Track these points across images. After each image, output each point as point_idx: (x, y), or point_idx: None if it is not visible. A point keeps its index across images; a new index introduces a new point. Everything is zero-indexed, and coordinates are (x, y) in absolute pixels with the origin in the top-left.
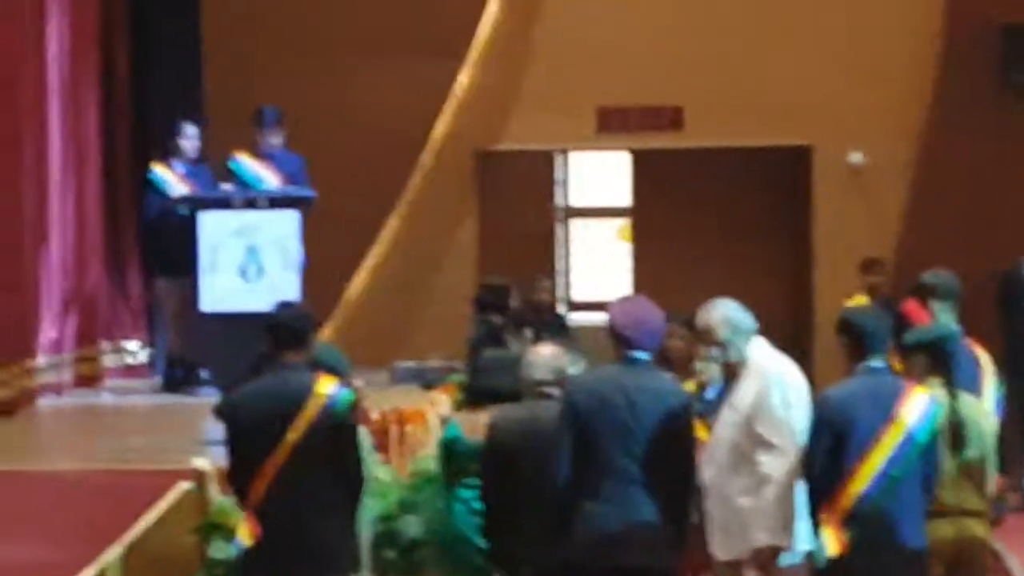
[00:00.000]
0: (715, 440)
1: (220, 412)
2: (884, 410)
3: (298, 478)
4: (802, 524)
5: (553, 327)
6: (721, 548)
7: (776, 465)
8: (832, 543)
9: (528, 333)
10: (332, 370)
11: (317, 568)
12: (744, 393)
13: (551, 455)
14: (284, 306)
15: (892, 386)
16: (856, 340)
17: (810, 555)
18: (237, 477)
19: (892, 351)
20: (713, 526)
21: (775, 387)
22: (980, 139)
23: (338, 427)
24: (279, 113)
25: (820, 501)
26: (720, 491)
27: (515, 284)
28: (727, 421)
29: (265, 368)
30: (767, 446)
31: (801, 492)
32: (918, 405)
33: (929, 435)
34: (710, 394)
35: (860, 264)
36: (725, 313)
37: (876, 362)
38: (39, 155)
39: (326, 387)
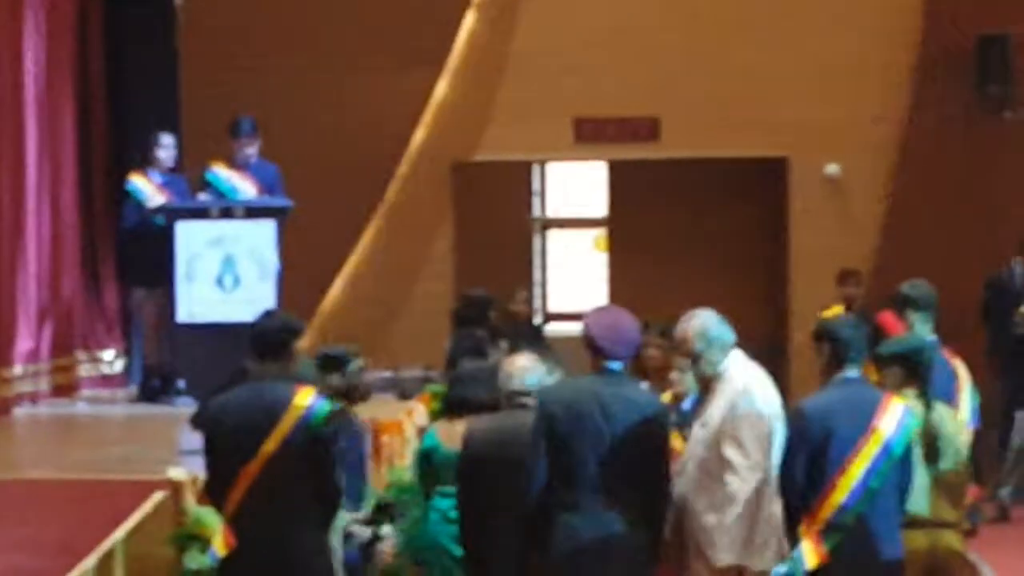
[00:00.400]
0: (687, 454)
1: (198, 421)
2: (862, 421)
3: (274, 489)
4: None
5: (529, 338)
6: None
7: (740, 484)
8: (811, 556)
9: (504, 344)
10: (303, 380)
11: None
12: (714, 409)
13: (526, 464)
14: (267, 315)
15: (869, 397)
16: (833, 349)
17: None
18: (214, 487)
19: (868, 362)
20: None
21: (743, 404)
22: (956, 150)
23: (315, 438)
24: (254, 123)
25: (798, 514)
26: (689, 506)
27: (494, 296)
28: (697, 437)
29: (245, 378)
30: (732, 465)
31: (776, 510)
32: (895, 416)
33: (904, 446)
34: (686, 405)
35: (836, 275)
36: (702, 324)
37: (852, 372)
38: (15, 165)
39: (304, 399)
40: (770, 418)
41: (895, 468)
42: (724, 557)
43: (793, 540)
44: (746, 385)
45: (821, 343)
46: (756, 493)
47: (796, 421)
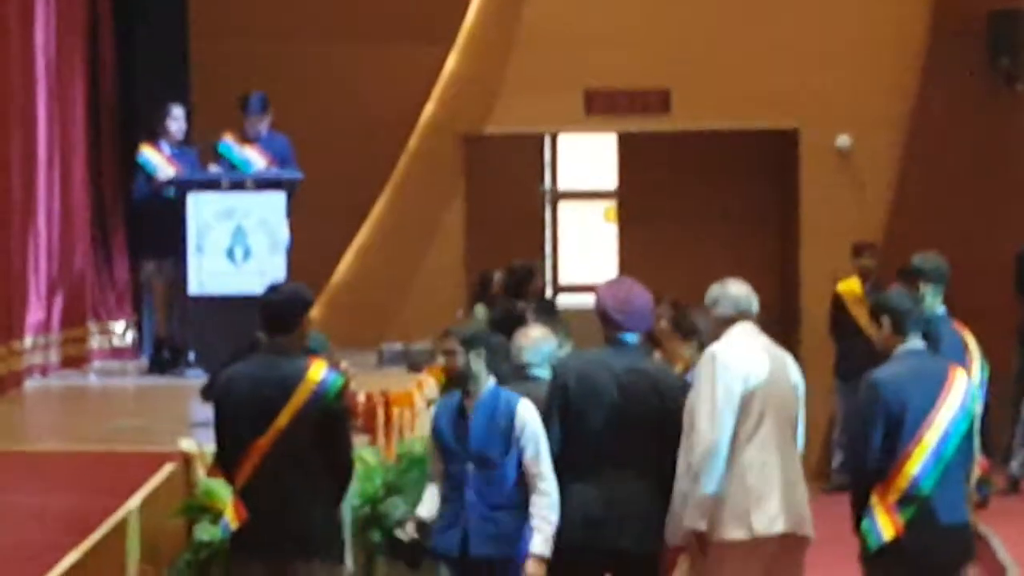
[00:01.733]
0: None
1: (208, 393)
2: (933, 392)
3: (286, 462)
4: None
5: (542, 310)
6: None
7: (693, 452)
8: (887, 527)
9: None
10: (313, 351)
11: (303, 551)
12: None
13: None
14: (276, 288)
15: (937, 368)
16: (892, 321)
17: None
18: (225, 459)
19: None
20: None
21: (704, 372)
22: (967, 123)
23: (327, 412)
24: (265, 99)
25: (871, 485)
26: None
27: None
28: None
29: (255, 350)
30: (689, 433)
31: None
32: (961, 386)
33: (971, 416)
34: (690, 376)
35: (852, 247)
36: (708, 294)
37: (915, 343)
38: (26, 138)
39: (318, 372)
40: (733, 390)
41: (963, 438)
42: (682, 525)
43: (859, 512)
44: (714, 354)
45: (880, 317)
46: (700, 461)
47: (871, 392)
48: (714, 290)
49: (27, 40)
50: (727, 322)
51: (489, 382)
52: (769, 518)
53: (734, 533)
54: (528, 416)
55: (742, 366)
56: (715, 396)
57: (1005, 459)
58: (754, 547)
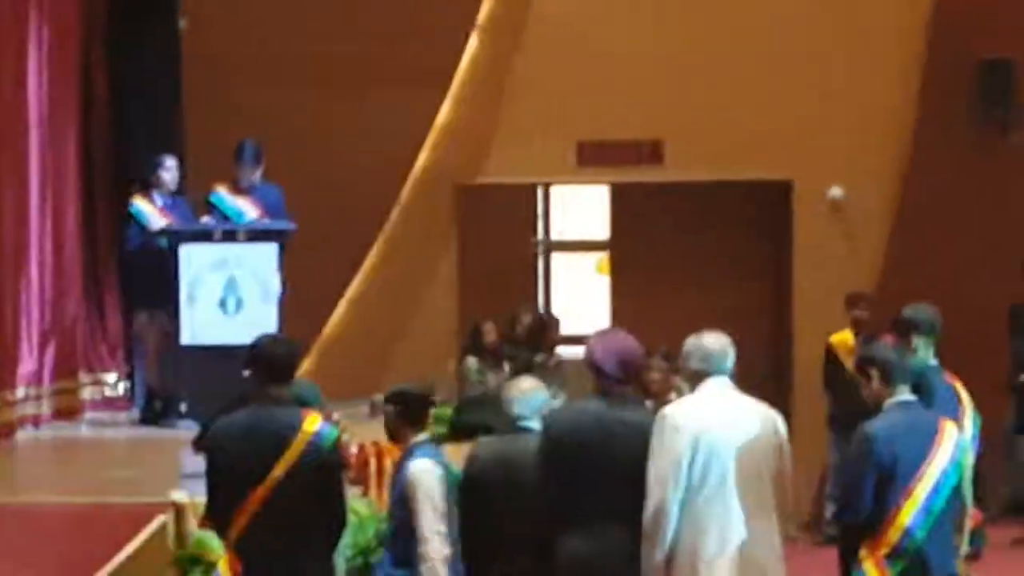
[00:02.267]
0: None
1: (200, 445)
2: (925, 445)
3: (281, 514)
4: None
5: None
6: None
7: (645, 515)
8: None
9: (507, 367)
10: (305, 403)
11: None
12: None
13: (529, 488)
14: (271, 339)
15: (928, 420)
16: (882, 374)
17: None
18: (217, 511)
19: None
20: None
21: (655, 433)
22: (960, 173)
23: (323, 464)
24: (258, 149)
25: (861, 537)
26: None
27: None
28: None
29: (247, 402)
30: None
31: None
32: (952, 439)
33: (961, 469)
34: None
35: (845, 298)
36: (685, 349)
37: (905, 395)
38: (18, 187)
39: (313, 424)
40: (680, 451)
41: (953, 491)
42: None
43: (848, 566)
44: (665, 415)
45: (867, 370)
46: (647, 522)
47: (864, 444)
48: (688, 343)
49: (20, 89)
50: (698, 376)
51: (417, 437)
52: None
53: None
54: (418, 478)
55: (695, 426)
56: (662, 458)
57: (1009, 512)
58: None
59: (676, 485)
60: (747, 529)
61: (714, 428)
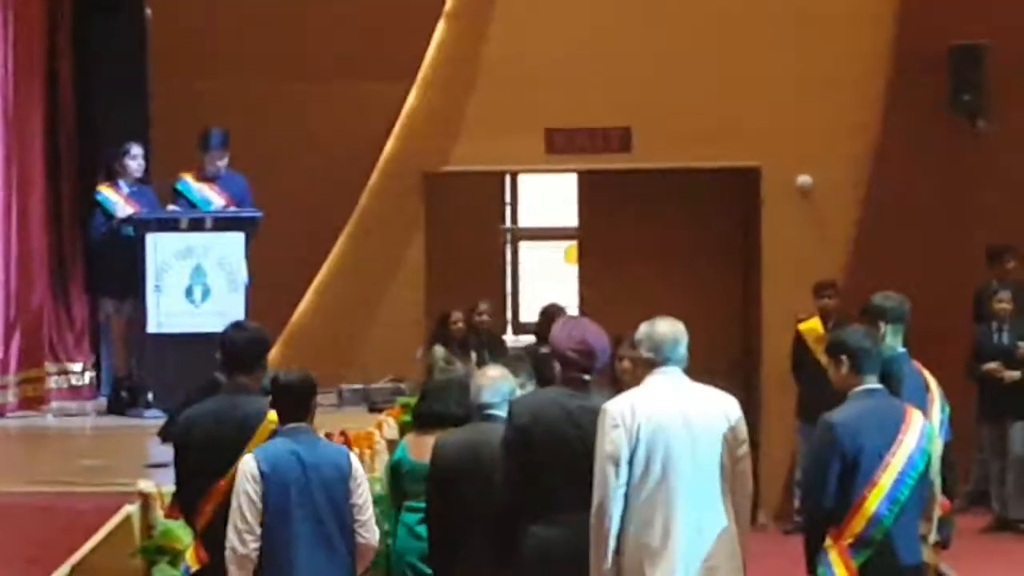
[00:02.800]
0: None
1: (167, 434)
2: (889, 433)
3: None
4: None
5: (492, 349)
6: None
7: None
8: (841, 570)
9: (474, 356)
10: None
11: None
12: None
13: (496, 477)
14: (238, 327)
15: (893, 408)
16: (851, 361)
17: None
18: (184, 500)
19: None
20: None
21: (598, 426)
22: (928, 160)
23: None
24: (225, 136)
25: (825, 527)
26: None
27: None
28: None
29: (214, 391)
30: None
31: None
32: (917, 428)
33: (928, 457)
34: None
35: (813, 287)
36: (637, 334)
37: (872, 383)
38: None
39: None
40: (619, 445)
41: (920, 479)
42: None
43: (813, 555)
44: (605, 409)
45: (837, 356)
46: (594, 514)
47: (826, 434)
48: (640, 331)
49: None
50: (648, 365)
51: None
52: (665, 574)
53: None
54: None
55: (635, 419)
56: (602, 454)
57: (975, 500)
58: None
59: (617, 481)
60: (696, 520)
61: (657, 420)
